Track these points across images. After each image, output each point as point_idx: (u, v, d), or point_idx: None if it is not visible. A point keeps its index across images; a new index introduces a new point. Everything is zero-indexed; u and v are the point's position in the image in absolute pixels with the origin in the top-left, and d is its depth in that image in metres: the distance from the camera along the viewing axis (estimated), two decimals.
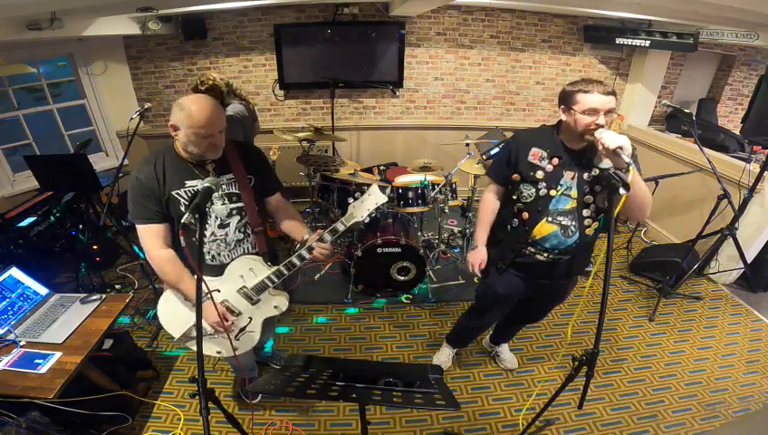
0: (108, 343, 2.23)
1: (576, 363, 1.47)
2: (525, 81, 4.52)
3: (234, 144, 1.68)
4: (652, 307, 3.04)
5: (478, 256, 1.94)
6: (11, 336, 1.84)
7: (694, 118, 2.88)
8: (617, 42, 3.95)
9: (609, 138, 1.41)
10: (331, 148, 4.49)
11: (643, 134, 4.38)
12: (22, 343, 1.82)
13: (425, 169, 3.19)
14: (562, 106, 1.63)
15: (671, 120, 4.58)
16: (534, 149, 1.70)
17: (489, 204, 1.93)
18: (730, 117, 4.97)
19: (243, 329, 1.77)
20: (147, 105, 2.71)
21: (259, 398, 2.30)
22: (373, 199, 1.59)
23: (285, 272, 1.66)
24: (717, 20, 3.16)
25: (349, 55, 4.20)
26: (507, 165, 1.79)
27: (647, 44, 3.82)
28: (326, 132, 3.78)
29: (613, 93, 1.52)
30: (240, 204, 1.67)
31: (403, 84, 4.41)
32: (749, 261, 3.13)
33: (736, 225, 2.94)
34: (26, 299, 2.04)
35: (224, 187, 1.62)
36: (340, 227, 1.60)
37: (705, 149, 3.03)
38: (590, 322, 2.96)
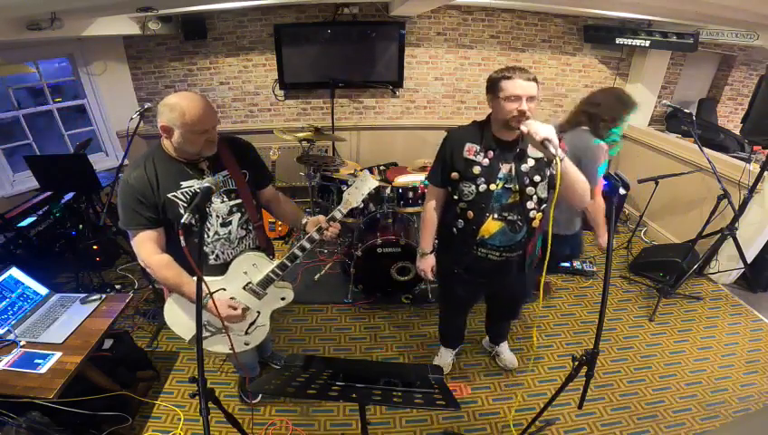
0: (108, 343, 2.23)
1: (576, 363, 1.47)
2: None
3: (223, 139, 1.64)
4: (652, 307, 3.04)
5: (427, 263, 2.00)
6: (11, 336, 1.84)
7: (694, 118, 2.88)
8: (617, 42, 3.96)
9: (534, 129, 1.41)
10: (331, 148, 4.49)
11: (643, 134, 4.38)
12: (22, 343, 1.82)
13: (425, 169, 3.19)
14: (489, 95, 1.62)
15: (671, 120, 4.58)
16: (468, 145, 1.68)
17: (430, 211, 1.91)
18: (730, 117, 4.97)
19: (252, 323, 1.78)
20: (147, 105, 2.72)
21: (259, 398, 2.30)
22: (367, 185, 1.64)
23: (288, 264, 1.66)
24: (717, 20, 3.16)
25: (349, 55, 4.20)
26: (444, 166, 1.77)
27: (647, 44, 3.82)
28: (326, 132, 3.78)
29: (535, 80, 1.51)
30: (239, 200, 1.66)
31: (403, 84, 4.41)
32: (749, 261, 3.13)
33: (736, 225, 2.94)
34: (26, 299, 2.04)
35: (221, 184, 1.60)
36: (338, 214, 1.62)
37: (705, 149, 3.03)
38: (590, 322, 2.96)
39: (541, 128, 1.40)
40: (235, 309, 1.62)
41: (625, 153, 4.62)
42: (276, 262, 1.68)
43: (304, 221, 1.73)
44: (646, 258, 3.52)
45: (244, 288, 1.70)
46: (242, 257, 1.68)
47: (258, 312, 1.77)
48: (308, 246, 1.63)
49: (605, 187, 3.87)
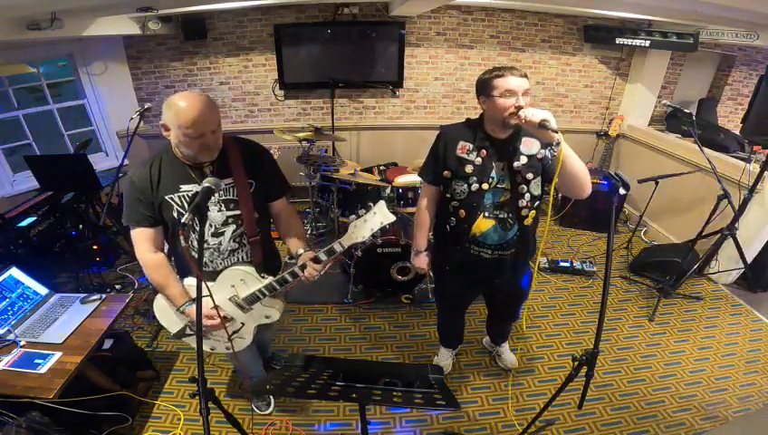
0: (108, 343, 2.23)
1: (576, 363, 1.47)
2: None
3: (236, 143, 1.60)
4: (652, 307, 3.04)
5: (422, 261, 1.99)
6: (11, 336, 1.84)
7: (694, 118, 2.88)
8: (617, 42, 3.96)
9: (531, 112, 1.41)
10: (331, 148, 4.49)
11: (643, 134, 4.38)
12: (22, 343, 1.82)
13: None
14: (481, 97, 1.61)
15: (671, 120, 4.57)
16: (462, 143, 1.67)
17: (424, 209, 1.89)
18: (730, 117, 4.97)
19: (235, 332, 1.75)
20: (147, 105, 2.72)
21: (272, 407, 2.26)
22: (378, 219, 1.48)
23: (277, 287, 1.61)
24: (717, 20, 3.16)
25: (349, 55, 4.20)
26: (436, 162, 1.75)
27: (647, 44, 3.82)
28: (326, 132, 3.78)
29: (526, 76, 1.52)
30: (237, 212, 1.58)
31: (403, 84, 4.41)
32: (749, 261, 3.13)
33: (736, 225, 2.94)
34: (26, 299, 2.04)
35: (221, 191, 1.54)
36: (338, 247, 1.52)
37: (705, 149, 3.03)
38: (590, 322, 2.96)
39: (536, 111, 1.41)
40: (212, 318, 1.55)
41: (625, 153, 4.63)
42: (266, 281, 1.62)
43: (300, 252, 1.65)
44: (646, 258, 3.52)
45: (229, 299, 1.67)
46: (231, 271, 1.63)
47: (242, 323, 1.74)
48: (290, 279, 1.58)
49: (605, 187, 3.89)
